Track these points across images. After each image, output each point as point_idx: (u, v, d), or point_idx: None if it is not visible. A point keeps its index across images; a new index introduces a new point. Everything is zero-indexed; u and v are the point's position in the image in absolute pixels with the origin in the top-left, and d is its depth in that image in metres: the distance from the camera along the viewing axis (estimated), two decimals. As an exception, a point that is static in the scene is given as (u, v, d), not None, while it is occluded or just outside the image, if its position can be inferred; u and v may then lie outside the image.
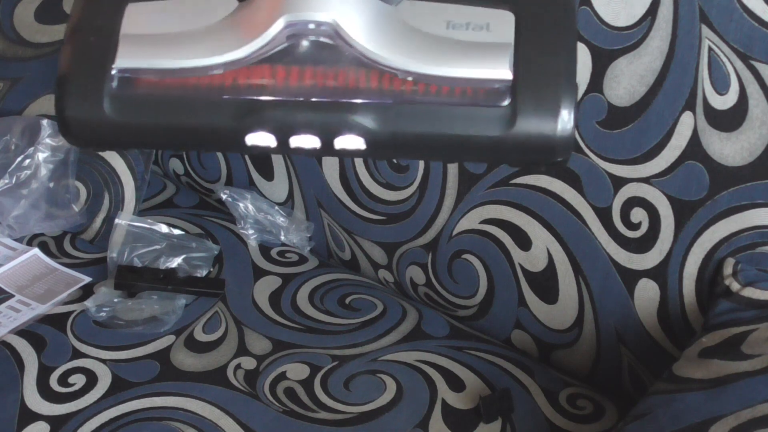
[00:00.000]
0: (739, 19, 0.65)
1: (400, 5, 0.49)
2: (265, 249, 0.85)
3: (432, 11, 0.49)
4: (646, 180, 0.65)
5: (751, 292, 0.62)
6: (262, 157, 0.88)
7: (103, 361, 0.70)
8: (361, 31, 0.48)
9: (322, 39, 0.48)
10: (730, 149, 0.62)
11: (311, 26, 0.48)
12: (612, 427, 0.69)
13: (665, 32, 0.64)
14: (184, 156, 0.97)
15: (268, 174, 0.88)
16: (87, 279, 0.79)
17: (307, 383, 0.70)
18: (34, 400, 0.66)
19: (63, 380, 0.68)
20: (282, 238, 0.86)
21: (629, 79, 0.65)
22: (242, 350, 0.72)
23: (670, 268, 0.66)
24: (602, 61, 0.65)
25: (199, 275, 0.79)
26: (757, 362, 0.55)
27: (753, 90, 0.61)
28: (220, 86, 0.48)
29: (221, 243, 0.84)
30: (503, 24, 0.49)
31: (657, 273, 0.66)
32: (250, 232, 0.86)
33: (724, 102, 0.62)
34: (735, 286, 0.62)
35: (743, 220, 0.62)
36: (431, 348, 0.75)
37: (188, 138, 0.50)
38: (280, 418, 0.67)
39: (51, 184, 0.81)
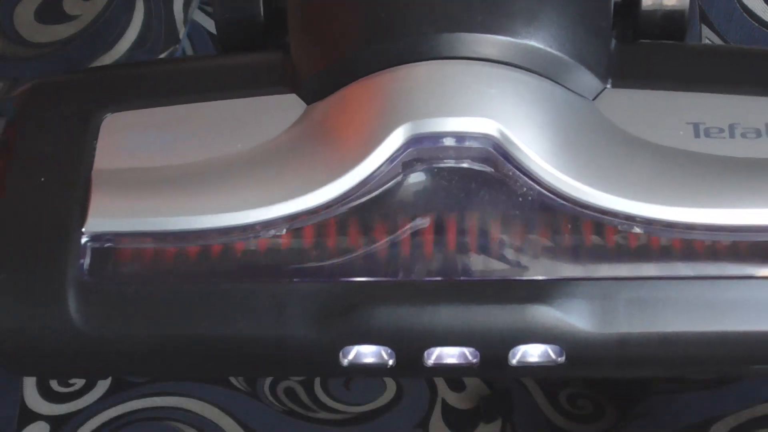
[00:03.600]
0: (739, 19, 0.65)
1: (600, 97, 0.29)
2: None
3: (658, 106, 0.28)
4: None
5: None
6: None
7: (103, 361, 0.70)
8: (545, 147, 0.27)
9: (470, 164, 0.28)
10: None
11: (450, 142, 0.27)
12: (612, 427, 0.68)
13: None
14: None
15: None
16: (87, 279, 0.78)
17: (307, 383, 0.70)
18: (34, 400, 0.66)
19: (63, 380, 0.68)
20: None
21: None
22: (242, 350, 0.72)
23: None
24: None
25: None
26: (757, 362, 0.55)
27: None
28: (285, 262, 0.27)
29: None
30: None
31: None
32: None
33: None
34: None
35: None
36: (431, 348, 0.75)
37: (226, 360, 0.29)
38: (280, 418, 0.67)
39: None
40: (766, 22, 0.63)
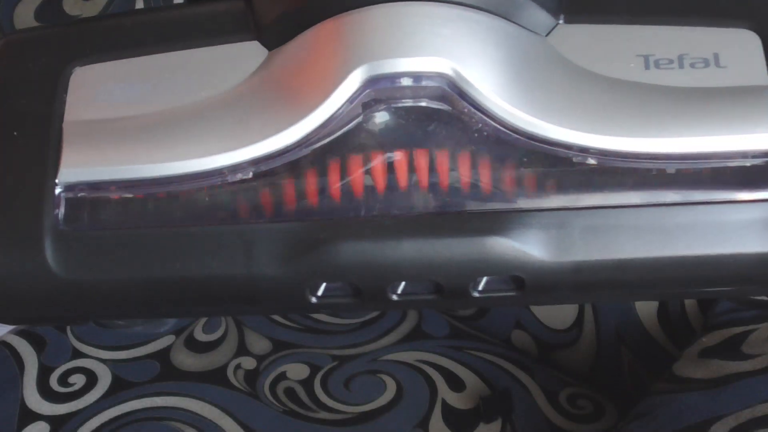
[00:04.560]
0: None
1: (553, 32, 0.29)
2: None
3: (610, 40, 0.28)
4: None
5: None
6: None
7: (103, 361, 0.70)
8: (498, 83, 0.27)
9: (427, 103, 0.28)
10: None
11: (407, 81, 0.27)
12: (612, 427, 0.68)
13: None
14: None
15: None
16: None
17: (307, 383, 0.70)
18: (34, 400, 0.66)
19: (63, 380, 0.68)
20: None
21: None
22: (242, 350, 0.72)
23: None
24: None
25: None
26: (758, 362, 0.55)
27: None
28: (252, 204, 0.28)
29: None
30: (743, 52, 0.27)
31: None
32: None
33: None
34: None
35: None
36: (431, 348, 0.75)
37: (198, 300, 0.29)
38: (281, 418, 0.67)
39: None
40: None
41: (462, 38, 0.27)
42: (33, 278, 0.28)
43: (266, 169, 0.28)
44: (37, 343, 0.71)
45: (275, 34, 0.29)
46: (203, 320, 0.74)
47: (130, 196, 0.28)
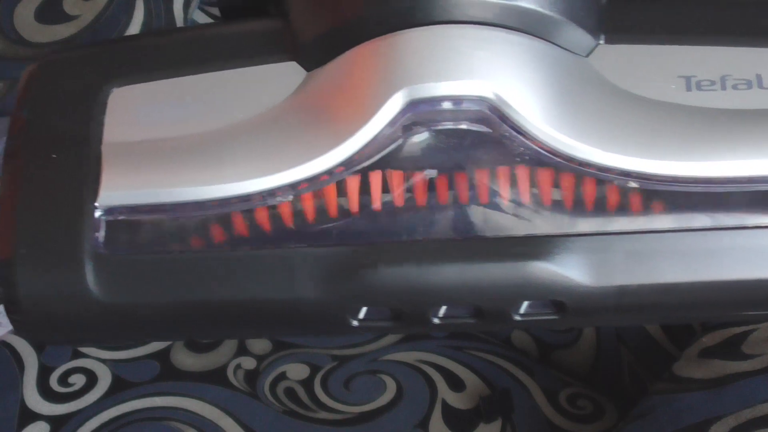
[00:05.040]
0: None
1: (594, 53, 0.29)
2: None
3: (651, 61, 0.28)
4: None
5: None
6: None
7: (103, 361, 0.70)
8: (540, 106, 0.27)
9: (468, 126, 0.28)
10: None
11: (448, 105, 0.28)
12: (612, 427, 0.68)
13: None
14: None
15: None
16: (87, 279, 0.78)
17: (307, 383, 0.70)
18: (34, 400, 0.66)
19: (63, 380, 0.68)
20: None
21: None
22: (242, 350, 0.72)
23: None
24: None
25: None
26: (758, 362, 0.55)
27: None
28: (292, 228, 0.28)
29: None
30: None
31: (657, 273, 0.65)
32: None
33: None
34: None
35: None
36: (431, 348, 0.75)
37: (238, 323, 0.30)
38: (281, 418, 0.67)
39: (51, 184, 0.81)
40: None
41: (503, 61, 0.27)
42: (75, 302, 0.29)
43: (306, 192, 0.28)
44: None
45: (314, 55, 0.30)
46: (203, 320, 0.75)
47: (170, 219, 0.28)
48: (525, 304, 0.29)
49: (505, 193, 0.28)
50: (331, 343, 0.74)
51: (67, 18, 0.92)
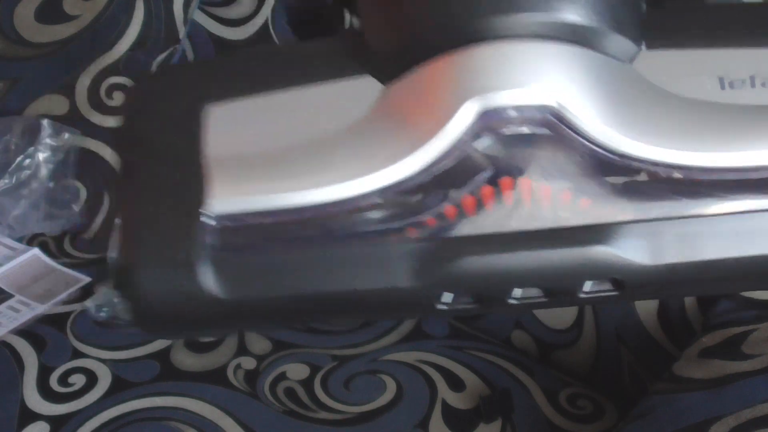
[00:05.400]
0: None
1: (637, 59, 0.33)
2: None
3: (688, 63, 0.33)
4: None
5: (752, 292, 0.62)
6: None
7: (103, 361, 0.70)
8: (596, 110, 0.31)
9: (533, 131, 0.32)
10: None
11: (515, 112, 0.32)
12: (612, 427, 0.68)
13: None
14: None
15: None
16: (87, 279, 0.78)
17: (307, 383, 0.70)
18: (34, 400, 0.66)
19: (63, 380, 0.68)
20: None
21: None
22: (242, 350, 0.72)
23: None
24: None
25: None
26: (758, 362, 0.55)
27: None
28: (384, 226, 0.32)
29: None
30: None
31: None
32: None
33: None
34: (736, 286, 0.61)
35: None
36: (431, 348, 0.75)
37: (340, 311, 0.34)
38: (280, 418, 0.67)
39: (51, 184, 0.81)
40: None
41: (561, 70, 0.31)
42: (193, 300, 0.32)
43: (397, 194, 0.31)
44: (37, 343, 0.71)
45: (389, 69, 0.33)
46: (203, 320, 0.75)
47: (274, 222, 0.32)
48: (589, 283, 0.32)
49: (572, 189, 0.32)
50: (331, 343, 0.74)
51: (67, 18, 0.92)
